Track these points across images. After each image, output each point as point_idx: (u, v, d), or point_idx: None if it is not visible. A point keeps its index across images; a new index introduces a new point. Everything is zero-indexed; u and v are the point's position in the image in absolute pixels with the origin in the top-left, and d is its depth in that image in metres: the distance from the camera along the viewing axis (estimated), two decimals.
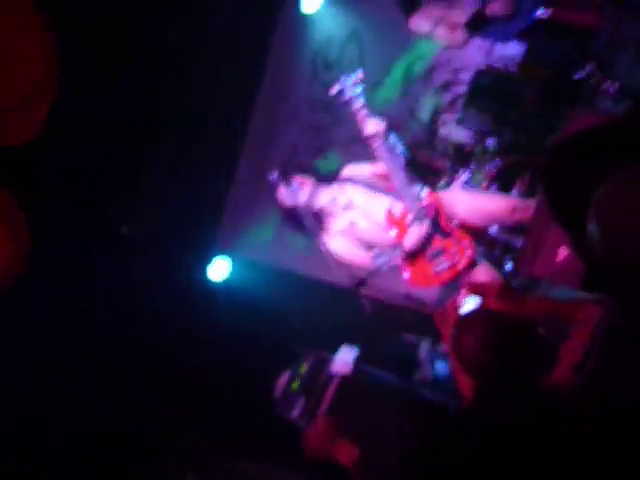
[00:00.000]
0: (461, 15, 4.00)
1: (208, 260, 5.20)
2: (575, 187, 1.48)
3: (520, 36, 4.16)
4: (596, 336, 2.22)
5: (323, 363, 3.80)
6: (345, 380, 3.69)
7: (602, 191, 1.32)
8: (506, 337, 2.15)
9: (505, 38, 4.19)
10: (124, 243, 4.84)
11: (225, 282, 5.23)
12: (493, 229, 4.04)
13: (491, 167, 4.46)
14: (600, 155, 1.52)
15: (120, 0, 4.00)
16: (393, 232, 3.67)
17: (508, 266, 4.15)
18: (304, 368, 3.82)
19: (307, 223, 3.62)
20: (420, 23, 4.12)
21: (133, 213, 4.87)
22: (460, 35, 4.08)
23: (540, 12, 3.94)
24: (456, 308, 2.87)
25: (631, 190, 1.29)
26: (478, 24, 3.97)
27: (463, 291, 3.13)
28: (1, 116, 3.46)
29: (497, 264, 4.13)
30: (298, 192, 3.65)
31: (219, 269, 5.23)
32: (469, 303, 2.96)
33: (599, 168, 1.35)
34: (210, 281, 5.22)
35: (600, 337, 2.16)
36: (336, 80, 3.69)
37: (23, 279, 3.65)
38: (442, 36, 4.13)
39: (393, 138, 3.73)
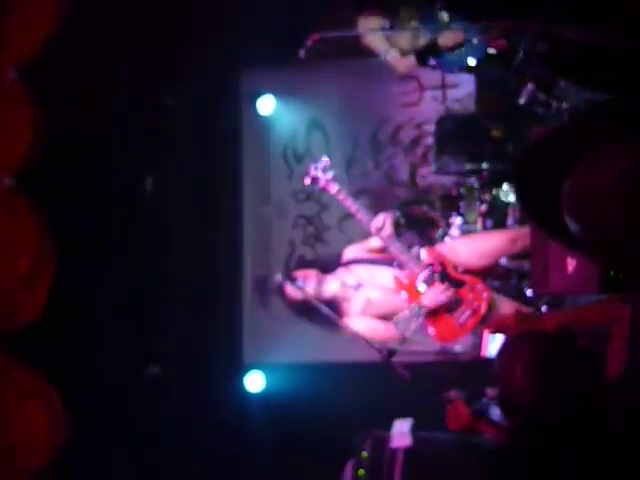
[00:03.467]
0: (409, 41, 4.10)
1: (240, 377, 5.21)
2: (548, 198, 1.53)
3: (470, 68, 4.30)
4: (635, 332, 2.23)
5: (382, 442, 3.76)
6: (408, 452, 3.64)
7: (566, 188, 1.37)
8: (551, 359, 2.15)
9: (452, 69, 4.31)
10: (156, 382, 4.88)
11: (263, 392, 5.22)
12: (503, 261, 4.08)
13: (480, 204, 4.54)
14: (559, 162, 1.57)
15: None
16: (404, 295, 3.72)
17: (529, 292, 4.16)
18: (365, 454, 3.77)
19: (323, 313, 3.66)
20: (372, 39, 4.15)
21: (159, 353, 4.93)
22: (409, 63, 4.17)
23: (485, 48, 4.08)
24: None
25: (590, 177, 1.33)
26: (428, 55, 4.08)
27: (485, 333, 3.14)
28: (8, 299, 3.57)
29: (517, 294, 4.14)
30: (305, 286, 3.71)
31: (253, 382, 5.23)
32: (494, 342, 2.97)
33: (562, 173, 1.41)
34: (248, 394, 5.21)
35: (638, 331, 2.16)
36: (305, 170, 3.84)
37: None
38: (392, 62, 4.22)
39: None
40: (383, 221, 3.76)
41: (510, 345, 2.31)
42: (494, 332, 2.79)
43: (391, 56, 4.15)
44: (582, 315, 2.57)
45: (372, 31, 3.92)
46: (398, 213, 3.97)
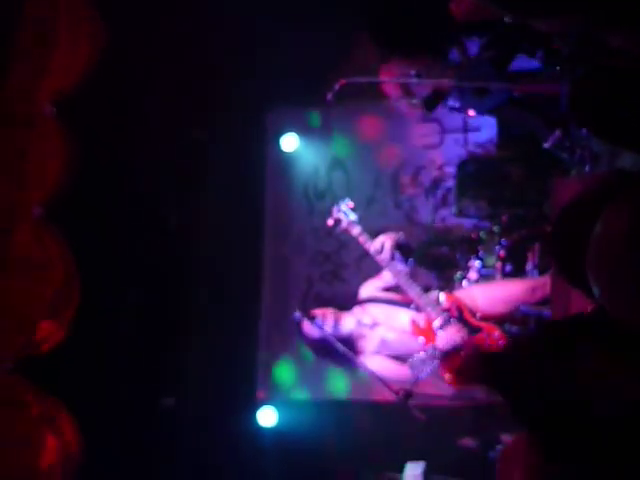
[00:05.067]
0: (423, 88, 4.13)
1: (253, 412, 5.21)
2: (580, 251, 1.56)
3: (493, 111, 4.34)
4: None
5: None
6: None
7: (589, 252, 1.41)
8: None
9: (477, 111, 4.35)
10: (170, 415, 4.89)
11: (275, 427, 5.21)
12: (521, 307, 4.08)
13: (499, 248, 4.55)
14: (593, 216, 1.60)
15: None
16: (421, 339, 3.74)
17: None
18: None
19: (340, 351, 3.68)
20: (390, 84, 4.15)
21: (174, 386, 4.95)
22: (419, 110, 4.20)
23: (510, 91, 4.12)
24: None
25: (602, 233, 1.36)
26: (434, 103, 4.11)
27: None
28: (32, 327, 3.62)
29: None
30: (323, 325, 3.73)
31: (266, 417, 5.23)
32: None
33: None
34: (261, 428, 5.21)
35: None
36: (329, 212, 3.89)
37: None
38: (402, 109, 4.26)
39: (398, 254, 3.85)
40: (382, 244, 3.77)
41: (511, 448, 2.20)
42: None
43: (404, 104, 4.21)
44: None
45: (396, 79, 3.99)
46: (401, 235, 3.96)
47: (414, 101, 4.14)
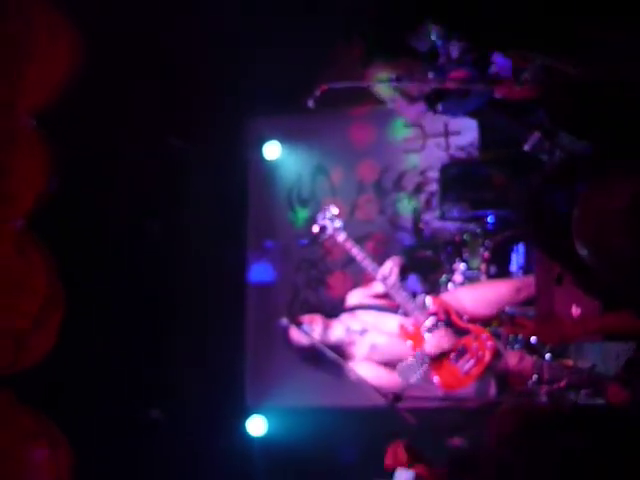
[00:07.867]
0: (418, 89, 4.15)
1: (243, 421, 5.20)
2: (558, 230, 1.57)
3: (474, 114, 4.38)
4: None
5: None
6: None
7: (576, 214, 1.43)
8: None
9: (458, 113, 4.38)
10: (157, 426, 4.86)
11: (265, 436, 5.20)
12: (507, 308, 4.11)
13: (483, 250, 4.59)
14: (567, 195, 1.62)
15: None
16: (409, 343, 3.76)
17: (533, 339, 4.19)
18: None
19: (328, 357, 3.68)
20: (380, 86, 4.18)
21: (161, 397, 4.92)
22: (416, 109, 4.23)
23: (491, 94, 4.15)
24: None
25: (599, 203, 1.39)
26: (438, 99, 4.13)
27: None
28: (20, 340, 3.59)
29: (522, 341, 4.17)
30: (311, 331, 3.74)
31: (255, 426, 5.21)
32: None
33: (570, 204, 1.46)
34: (250, 437, 5.19)
35: None
36: (313, 219, 3.93)
37: None
38: (399, 109, 4.27)
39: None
40: (390, 269, 3.82)
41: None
42: None
43: (399, 103, 4.21)
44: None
45: (379, 82, 4.00)
46: (404, 260, 4.02)
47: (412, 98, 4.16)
